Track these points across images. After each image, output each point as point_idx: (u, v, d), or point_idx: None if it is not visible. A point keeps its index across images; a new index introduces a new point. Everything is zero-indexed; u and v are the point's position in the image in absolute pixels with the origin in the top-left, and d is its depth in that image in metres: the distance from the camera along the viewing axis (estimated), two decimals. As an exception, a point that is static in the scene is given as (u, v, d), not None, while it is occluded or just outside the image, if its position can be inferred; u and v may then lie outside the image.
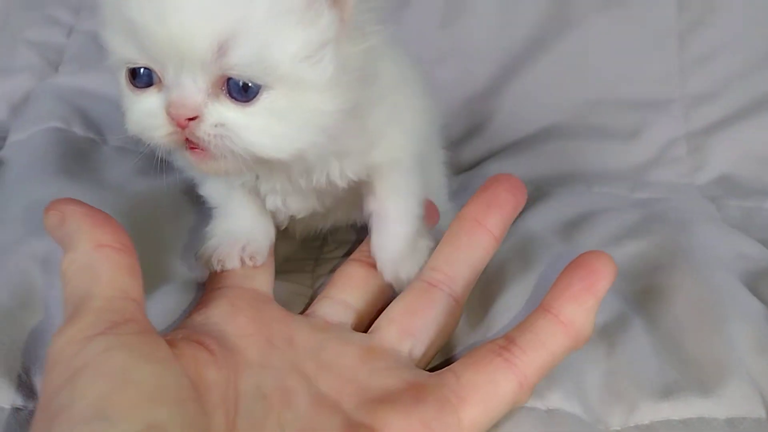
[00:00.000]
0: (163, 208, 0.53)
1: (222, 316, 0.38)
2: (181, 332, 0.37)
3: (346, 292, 0.43)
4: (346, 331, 0.41)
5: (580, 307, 0.37)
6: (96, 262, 0.34)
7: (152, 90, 0.34)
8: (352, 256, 0.46)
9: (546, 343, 0.36)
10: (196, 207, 0.56)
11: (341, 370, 0.37)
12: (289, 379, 0.36)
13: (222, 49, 0.31)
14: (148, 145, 0.35)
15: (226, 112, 0.33)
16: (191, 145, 0.34)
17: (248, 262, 0.42)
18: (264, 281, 0.43)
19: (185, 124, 0.33)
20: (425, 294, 0.41)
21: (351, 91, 0.35)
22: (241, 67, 0.32)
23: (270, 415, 0.34)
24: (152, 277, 0.45)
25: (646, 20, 0.76)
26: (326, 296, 0.43)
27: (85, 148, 0.63)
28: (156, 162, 0.35)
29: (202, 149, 0.34)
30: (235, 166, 0.34)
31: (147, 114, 0.34)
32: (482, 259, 0.43)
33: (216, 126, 0.33)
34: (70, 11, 0.83)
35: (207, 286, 0.43)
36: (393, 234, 0.44)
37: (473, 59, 0.78)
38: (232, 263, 0.42)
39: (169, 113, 0.33)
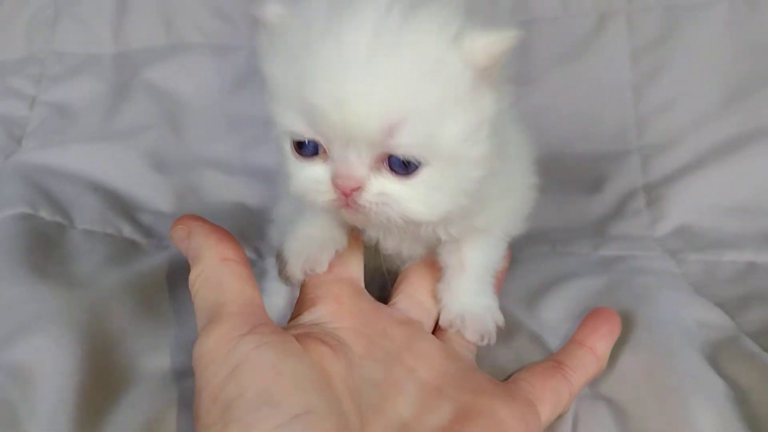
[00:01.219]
0: (136, 303, 0.54)
1: (328, 312, 0.41)
2: (299, 330, 0.40)
3: (420, 293, 0.47)
4: (423, 329, 0.45)
5: (606, 345, 0.45)
6: (222, 274, 0.39)
7: (317, 160, 0.37)
8: (423, 260, 0.49)
9: (586, 368, 0.44)
10: (171, 296, 0.57)
11: (434, 362, 0.41)
12: (394, 369, 0.40)
13: (390, 132, 0.34)
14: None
15: (387, 184, 0.36)
16: (348, 205, 0.37)
17: (313, 269, 0.44)
18: (357, 269, 0.46)
19: (349, 193, 0.36)
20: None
21: (493, 157, 0.38)
22: (406, 147, 0.35)
23: (386, 401, 0.38)
24: (121, 378, 0.46)
25: (602, 74, 0.78)
26: (404, 292, 0.47)
27: (53, 236, 0.63)
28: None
29: (350, 213, 0.37)
30: (382, 222, 0.38)
31: (312, 181, 0.37)
32: None
33: (377, 195, 0.36)
34: (32, 81, 0.83)
35: (307, 283, 0.44)
36: (466, 289, 0.47)
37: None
38: (296, 273, 0.44)
39: (335, 183, 0.36)
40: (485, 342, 0.46)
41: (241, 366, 0.35)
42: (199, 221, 0.42)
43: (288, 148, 0.38)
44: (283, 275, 0.45)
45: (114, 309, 0.52)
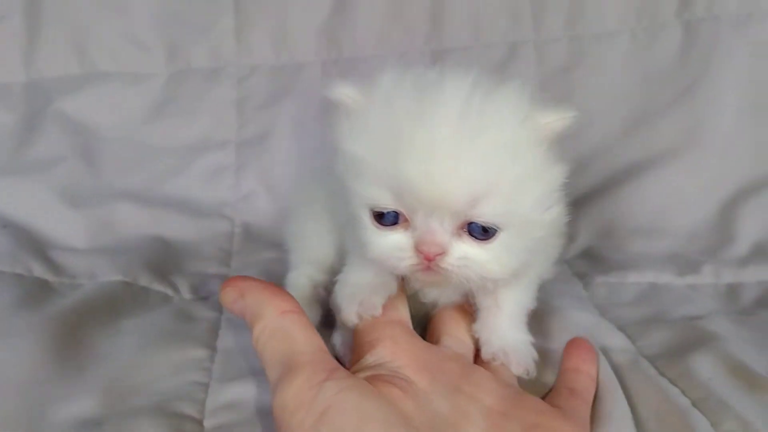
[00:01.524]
0: (45, 348, 0.53)
1: (389, 353, 0.43)
2: (366, 372, 0.42)
3: (459, 332, 0.50)
4: (471, 362, 0.48)
5: (595, 369, 0.49)
6: (286, 326, 0.41)
7: (398, 228, 0.40)
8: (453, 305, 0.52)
9: (591, 391, 0.48)
10: (83, 340, 0.56)
11: (491, 389, 0.43)
12: (458, 399, 0.41)
13: (474, 203, 0.37)
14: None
15: (467, 249, 0.39)
16: (430, 268, 0.40)
17: (369, 313, 0.46)
18: (405, 312, 0.48)
19: (433, 258, 0.39)
20: None
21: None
22: (487, 216, 0.38)
23: (458, 429, 0.40)
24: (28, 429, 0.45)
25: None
26: (445, 332, 0.49)
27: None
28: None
29: (428, 275, 0.40)
30: (460, 281, 0.41)
31: (395, 248, 0.40)
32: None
33: (459, 259, 0.39)
34: None
35: (362, 328, 0.46)
36: (504, 327, 0.49)
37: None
38: (351, 317, 0.46)
39: (420, 250, 0.39)
40: (529, 375, 0.49)
41: (329, 411, 0.37)
42: (248, 281, 0.44)
43: (367, 218, 0.40)
44: (339, 320, 0.47)
45: (21, 355, 0.51)
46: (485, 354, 0.49)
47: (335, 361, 0.41)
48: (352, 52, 0.83)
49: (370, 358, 0.44)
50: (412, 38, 0.83)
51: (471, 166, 0.36)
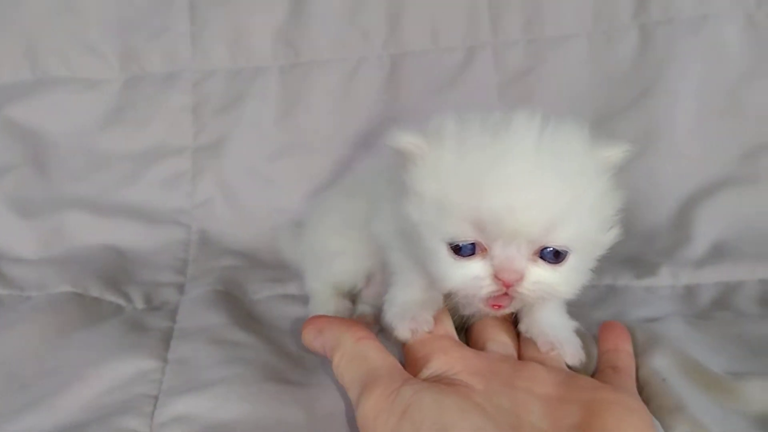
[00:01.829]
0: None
1: (443, 363, 0.46)
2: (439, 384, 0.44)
3: (501, 336, 0.51)
4: (516, 359, 0.49)
5: (630, 345, 0.53)
6: (363, 350, 0.45)
7: (475, 258, 0.42)
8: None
9: (632, 366, 0.51)
10: (33, 355, 0.55)
11: (544, 379, 0.45)
12: (515, 395, 0.44)
13: (549, 230, 0.40)
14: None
15: (541, 272, 0.42)
16: (498, 300, 0.43)
17: (421, 329, 0.48)
18: (451, 326, 0.50)
19: (511, 284, 0.41)
20: None
21: None
22: (560, 241, 0.41)
23: (522, 422, 0.42)
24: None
25: (472, 106, 0.80)
26: (489, 338, 0.51)
27: None
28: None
29: (503, 300, 0.43)
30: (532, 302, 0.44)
31: (474, 278, 0.42)
32: None
33: (534, 284, 0.42)
34: None
35: (412, 345, 0.48)
36: (552, 318, 0.51)
37: (311, 154, 0.80)
38: (405, 334, 0.48)
39: (500, 277, 0.41)
40: (581, 364, 0.50)
41: (409, 409, 0.40)
42: (326, 318, 0.50)
43: (444, 251, 0.42)
44: (393, 339, 0.49)
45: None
46: (542, 346, 0.50)
47: (408, 373, 0.44)
48: (310, 56, 0.82)
49: (426, 372, 0.46)
50: (370, 42, 0.82)
51: (547, 197, 0.40)
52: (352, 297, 0.63)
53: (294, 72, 0.82)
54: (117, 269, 0.71)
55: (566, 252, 0.42)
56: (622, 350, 0.52)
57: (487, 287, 0.42)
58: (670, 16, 0.79)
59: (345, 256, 0.59)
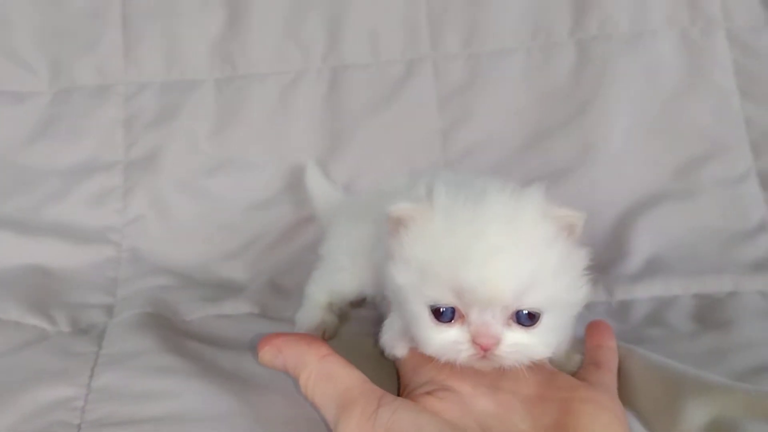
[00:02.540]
0: None
1: (433, 371, 0.48)
2: (414, 393, 0.47)
3: None
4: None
5: (614, 341, 0.54)
6: (329, 369, 0.46)
7: (455, 324, 0.45)
8: None
9: (615, 361, 0.53)
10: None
11: (527, 380, 0.46)
12: (499, 396, 0.46)
13: (521, 295, 0.43)
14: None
15: (516, 336, 0.44)
16: (486, 357, 0.44)
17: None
18: None
19: (487, 347, 0.43)
20: None
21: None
22: (531, 303, 0.44)
23: (505, 424, 0.45)
24: None
25: (412, 120, 0.80)
26: None
27: None
28: None
29: (482, 363, 0.45)
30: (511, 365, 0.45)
31: (453, 342, 0.44)
32: None
33: (511, 346, 0.44)
34: None
35: (407, 359, 0.51)
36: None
37: (249, 168, 0.78)
38: (401, 352, 0.52)
39: (477, 342, 0.44)
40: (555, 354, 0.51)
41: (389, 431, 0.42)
42: (283, 336, 0.49)
43: (426, 315, 0.45)
44: (391, 356, 0.52)
45: None
46: None
47: (380, 389, 0.45)
48: (247, 69, 0.81)
49: (418, 380, 0.48)
50: (310, 55, 0.81)
51: (517, 266, 0.43)
52: (342, 314, 0.63)
53: (231, 85, 0.80)
54: (43, 291, 0.68)
55: (539, 314, 0.44)
56: (605, 346, 0.53)
57: (466, 351, 0.44)
58: (607, 32, 0.80)
59: (347, 273, 0.61)
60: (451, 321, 0.45)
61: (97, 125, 0.79)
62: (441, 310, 0.44)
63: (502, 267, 0.43)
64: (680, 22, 0.80)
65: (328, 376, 0.46)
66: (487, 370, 0.46)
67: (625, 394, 0.51)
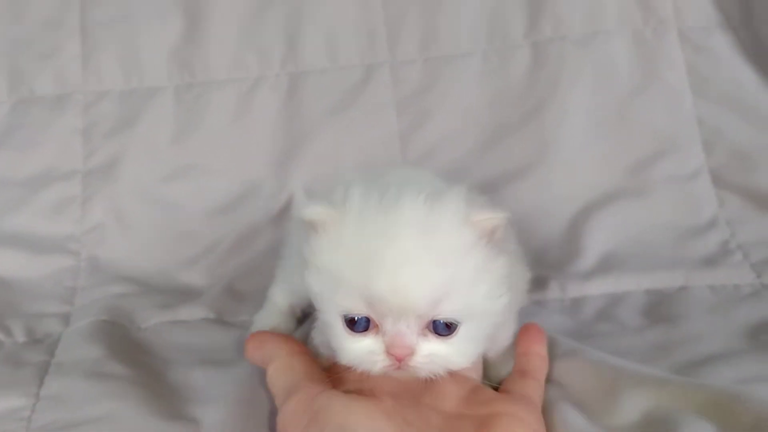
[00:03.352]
0: None
1: (358, 380, 0.47)
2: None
3: None
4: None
5: (545, 348, 0.54)
6: (293, 363, 0.49)
7: (369, 334, 0.43)
8: None
9: (542, 369, 0.52)
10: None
11: (450, 394, 0.47)
12: (420, 410, 0.46)
13: (435, 304, 0.42)
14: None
15: (432, 346, 0.43)
16: (401, 367, 0.43)
17: None
18: None
19: (402, 358, 0.42)
20: None
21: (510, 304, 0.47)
22: (448, 313, 0.43)
23: (421, 416, 0.45)
24: None
25: (371, 125, 0.81)
26: None
27: None
28: None
29: (398, 373, 0.44)
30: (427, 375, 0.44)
31: (367, 352, 0.43)
32: None
33: (426, 357, 0.43)
34: None
35: (334, 364, 0.50)
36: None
37: (209, 175, 0.79)
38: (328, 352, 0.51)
39: (391, 352, 0.42)
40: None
41: (319, 412, 0.43)
42: (267, 334, 0.53)
43: (340, 325, 0.44)
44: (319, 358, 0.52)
45: None
46: None
47: (332, 384, 0.46)
48: (206, 76, 0.81)
49: (346, 387, 0.47)
50: (268, 62, 0.82)
51: (430, 274, 0.41)
52: (306, 314, 0.62)
53: (190, 92, 0.81)
54: (0, 302, 0.68)
55: (456, 324, 0.43)
56: (533, 353, 0.53)
57: (381, 362, 0.43)
58: (561, 33, 0.81)
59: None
60: (365, 331, 0.43)
61: (56, 135, 0.79)
62: (355, 319, 0.43)
63: (414, 275, 0.41)
64: (633, 22, 0.81)
65: (290, 369, 0.48)
66: (411, 384, 0.46)
67: (569, 390, 0.52)
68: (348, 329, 0.44)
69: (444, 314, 0.43)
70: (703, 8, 0.81)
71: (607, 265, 0.72)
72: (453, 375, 0.48)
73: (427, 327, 0.43)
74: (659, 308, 0.65)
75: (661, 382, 0.49)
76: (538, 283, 0.68)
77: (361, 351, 0.44)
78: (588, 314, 0.66)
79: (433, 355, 0.43)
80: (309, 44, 0.82)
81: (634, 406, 0.48)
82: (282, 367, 0.49)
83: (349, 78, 0.82)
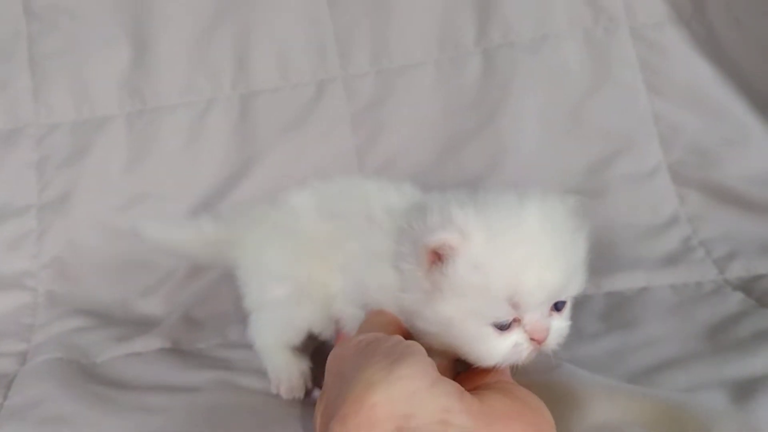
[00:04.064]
0: None
1: None
2: None
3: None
4: None
5: None
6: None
7: (513, 330, 0.46)
8: None
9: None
10: None
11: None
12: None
13: (563, 290, 0.47)
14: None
15: (555, 322, 0.47)
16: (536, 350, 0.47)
17: None
18: None
19: (542, 340, 0.46)
20: None
21: None
22: (571, 292, 0.48)
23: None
24: None
25: (326, 141, 0.80)
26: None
27: None
28: None
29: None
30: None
31: (515, 346, 0.46)
32: None
33: (554, 332, 0.47)
34: None
35: None
36: None
37: (163, 201, 0.78)
38: None
39: (534, 338, 0.46)
40: None
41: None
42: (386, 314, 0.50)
43: (488, 331, 0.46)
44: None
45: None
46: None
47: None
48: (157, 101, 0.81)
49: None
50: (219, 83, 0.81)
51: (560, 265, 0.46)
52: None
53: (141, 119, 0.80)
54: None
55: (564, 301, 0.48)
56: None
57: (526, 350, 0.47)
58: (511, 39, 0.80)
59: (292, 312, 0.56)
60: (509, 328, 0.46)
61: (9, 170, 0.79)
62: (502, 323, 0.46)
63: (555, 269, 0.46)
64: (583, 22, 0.81)
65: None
66: None
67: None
68: (496, 331, 0.46)
69: (569, 293, 0.48)
70: (653, 4, 0.81)
71: (566, 269, 0.71)
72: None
73: (551, 307, 0.47)
74: (618, 312, 0.64)
75: (611, 392, 0.48)
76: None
77: (508, 347, 0.47)
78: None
79: (557, 329, 0.48)
80: (259, 63, 0.82)
81: (585, 420, 0.48)
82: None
83: (302, 95, 0.82)
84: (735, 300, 0.64)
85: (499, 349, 0.46)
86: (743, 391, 0.47)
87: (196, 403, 0.56)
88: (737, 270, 0.68)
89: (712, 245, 0.72)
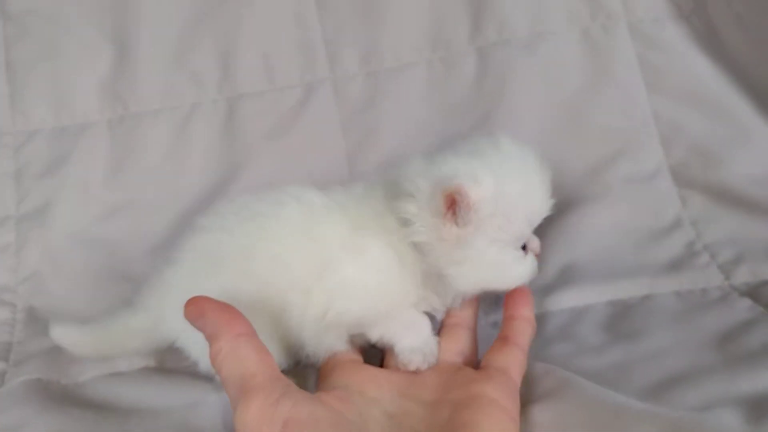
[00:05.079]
0: None
1: (339, 377, 0.53)
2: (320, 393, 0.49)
3: None
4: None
5: (531, 311, 0.57)
6: (240, 349, 0.46)
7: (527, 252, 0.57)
8: None
9: (526, 333, 0.56)
10: None
11: (433, 384, 0.51)
12: (403, 402, 0.50)
13: None
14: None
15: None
16: None
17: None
18: (357, 355, 0.57)
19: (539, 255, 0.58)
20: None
21: None
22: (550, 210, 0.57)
23: (403, 424, 0.48)
24: None
25: (316, 144, 0.78)
26: (390, 354, 0.56)
27: None
28: None
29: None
30: None
31: (533, 263, 0.57)
32: None
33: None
34: None
35: (325, 363, 0.56)
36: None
37: (146, 210, 0.75)
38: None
39: (538, 252, 0.58)
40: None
41: (288, 422, 0.42)
42: (208, 302, 0.48)
43: (519, 253, 0.55)
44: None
45: None
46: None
47: (286, 379, 0.46)
48: (139, 107, 0.78)
49: (331, 383, 0.52)
50: (203, 87, 0.78)
51: (548, 186, 0.56)
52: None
53: (123, 125, 0.77)
54: None
55: None
56: (518, 317, 0.56)
57: (536, 265, 0.57)
58: (506, 37, 0.77)
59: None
60: (525, 249, 0.56)
61: (-14, 180, 0.76)
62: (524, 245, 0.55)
63: (547, 188, 0.56)
64: (580, 19, 0.78)
65: (238, 357, 0.46)
66: (393, 378, 0.52)
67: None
68: (522, 252, 0.55)
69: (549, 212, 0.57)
70: (652, -1, 0.78)
71: (568, 276, 0.68)
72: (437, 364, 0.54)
73: None
74: (621, 321, 0.62)
75: (617, 412, 0.46)
76: (496, 303, 0.65)
77: (531, 266, 0.56)
78: (549, 332, 0.62)
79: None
80: (245, 66, 0.79)
81: None
82: (227, 352, 0.46)
83: (290, 98, 0.79)
84: (743, 307, 0.61)
85: (526, 267, 0.56)
86: (758, 409, 0.45)
87: (181, 425, 0.54)
88: (744, 275, 0.65)
89: (716, 249, 0.69)
